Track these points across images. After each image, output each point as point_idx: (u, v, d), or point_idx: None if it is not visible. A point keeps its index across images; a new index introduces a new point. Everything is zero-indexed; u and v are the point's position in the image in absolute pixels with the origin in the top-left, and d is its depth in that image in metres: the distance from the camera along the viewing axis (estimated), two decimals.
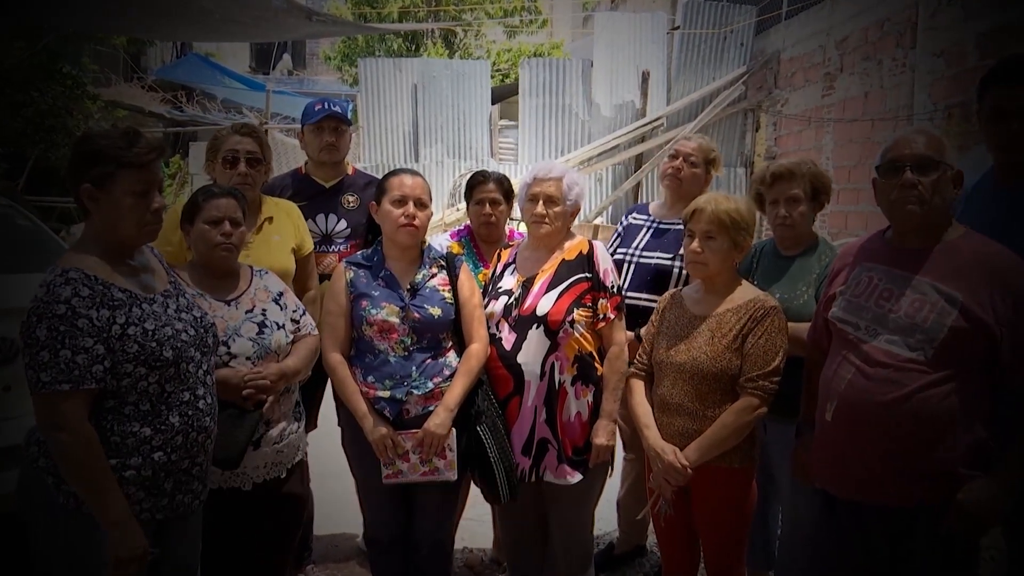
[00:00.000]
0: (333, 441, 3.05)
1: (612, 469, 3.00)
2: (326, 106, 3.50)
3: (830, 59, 8.49)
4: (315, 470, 3.14)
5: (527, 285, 2.90)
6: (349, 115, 3.60)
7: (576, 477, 2.84)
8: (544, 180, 2.91)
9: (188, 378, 2.16)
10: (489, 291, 2.99)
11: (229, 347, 2.59)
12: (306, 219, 3.34)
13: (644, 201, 8.85)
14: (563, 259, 2.92)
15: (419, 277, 2.84)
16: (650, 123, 10.93)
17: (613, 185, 11.23)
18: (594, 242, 2.99)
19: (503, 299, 2.91)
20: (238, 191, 2.79)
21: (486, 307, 2.92)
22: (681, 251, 3.22)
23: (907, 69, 7.08)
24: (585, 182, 3.08)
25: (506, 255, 3.08)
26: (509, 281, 2.96)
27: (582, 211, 3.24)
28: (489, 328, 2.88)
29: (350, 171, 3.63)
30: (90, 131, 2.15)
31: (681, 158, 3.43)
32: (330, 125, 3.47)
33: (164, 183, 13.62)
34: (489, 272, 3.12)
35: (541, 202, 2.89)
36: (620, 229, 3.61)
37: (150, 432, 2.08)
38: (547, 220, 2.89)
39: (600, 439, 2.82)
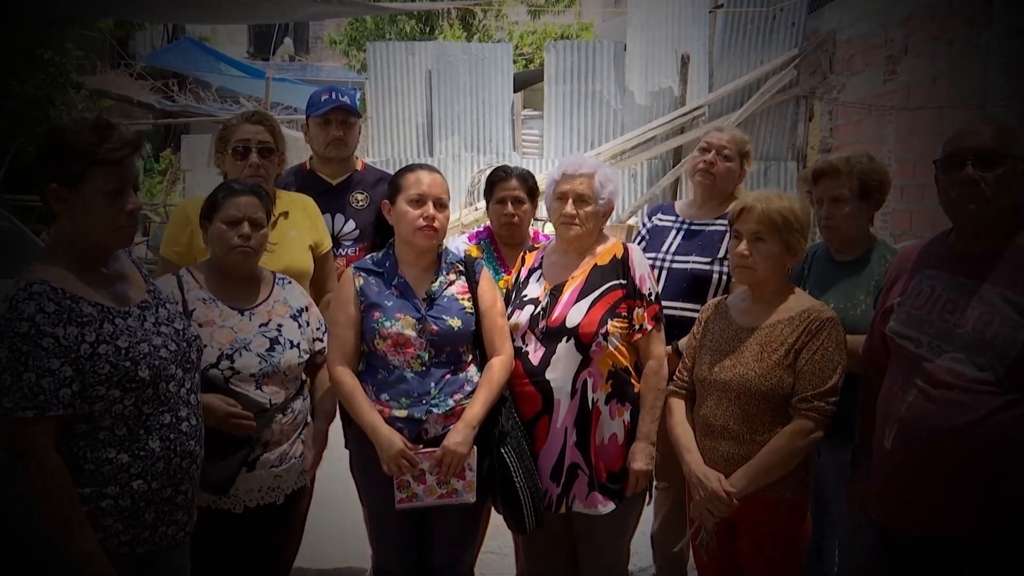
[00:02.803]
0: (339, 465, 3.07)
1: (650, 496, 2.99)
2: (333, 96, 3.50)
3: (892, 40, 8.43)
4: (318, 496, 3.16)
5: (555, 293, 2.89)
6: (357, 105, 3.62)
7: (609, 506, 2.84)
8: (574, 177, 2.90)
9: (169, 398, 2.15)
10: (513, 300, 2.99)
11: (233, 361, 2.59)
12: None
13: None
14: (595, 264, 2.92)
15: (436, 285, 2.84)
16: (690, 112, 10.90)
17: (649, 182, 11.21)
18: (629, 245, 2.99)
19: (529, 309, 2.91)
20: (263, 189, 2.80)
21: (510, 317, 2.92)
22: (720, 254, 3.23)
23: (980, 50, 7.01)
24: (619, 178, 3.08)
25: (531, 259, 3.07)
26: (535, 289, 2.96)
27: (615, 211, 3.24)
28: (514, 341, 2.88)
29: (359, 167, 3.64)
30: (57, 125, 2.15)
31: (714, 151, 3.40)
32: (338, 118, 3.48)
33: (156, 181, 13.81)
34: (511, 278, 3.12)
35: (570, 201, 2.88)
36: (643, 232, 3.58)
37: (128, 459, 2.07)
38: (577, 221, 2.88)
39: (638, 464, 2.81)
